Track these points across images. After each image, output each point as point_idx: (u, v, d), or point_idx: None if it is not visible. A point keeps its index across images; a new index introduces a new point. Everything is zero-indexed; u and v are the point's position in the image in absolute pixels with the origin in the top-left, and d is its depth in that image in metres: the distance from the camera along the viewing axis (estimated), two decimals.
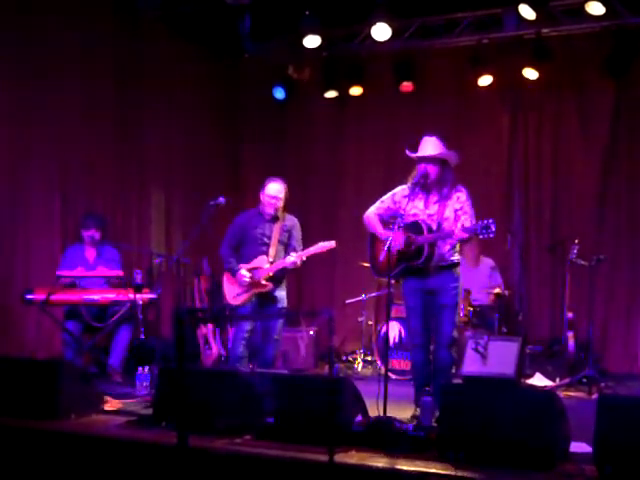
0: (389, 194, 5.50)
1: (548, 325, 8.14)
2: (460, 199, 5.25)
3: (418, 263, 5.18)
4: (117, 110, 7.80)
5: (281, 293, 6.19)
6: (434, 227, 5.21)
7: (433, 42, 8.52)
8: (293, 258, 6.00)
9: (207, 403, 4.62)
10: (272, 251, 6.12)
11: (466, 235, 4.99)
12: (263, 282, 6.04)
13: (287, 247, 6.21)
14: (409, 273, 5.29)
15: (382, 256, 5.04)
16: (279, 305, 6.17)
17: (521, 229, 8.33)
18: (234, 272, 6.13)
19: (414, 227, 5.21)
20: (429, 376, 5.32)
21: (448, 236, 5.12)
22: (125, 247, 7.37)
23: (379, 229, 5.44)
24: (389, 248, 4.94)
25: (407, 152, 5.38)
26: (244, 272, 6.08)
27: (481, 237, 4.88)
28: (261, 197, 6.20)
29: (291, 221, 6.29)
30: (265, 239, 6.15)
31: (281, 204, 6.19)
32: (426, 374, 5.33)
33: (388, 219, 5.41)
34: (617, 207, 8.00)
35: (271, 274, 6.05)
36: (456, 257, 5.32)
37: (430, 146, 5.31)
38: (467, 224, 5.07)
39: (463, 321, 7.06)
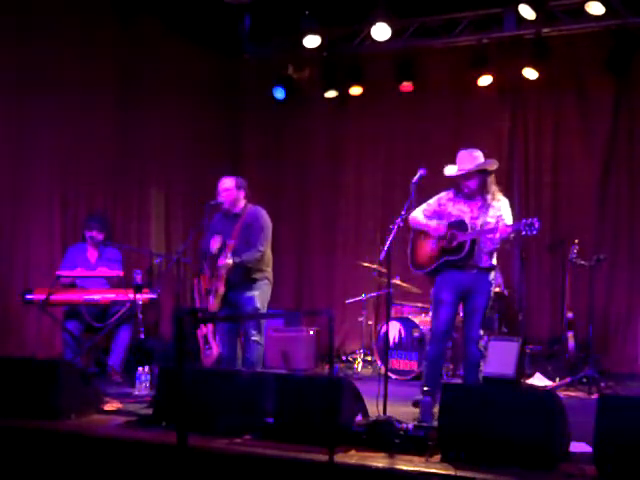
0: (435, 198, 5.66)
1: (548, 325, 8.14)
2: (502, 208, 5.44)
3: (458, 258, 5.34)
4: (117, 110, 7.81)
5: (249, 294, 5.95)
6: (477, 228, 5.39)
7: (433, 42, 8.52)
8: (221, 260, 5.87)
9: (207, 403, 4.61)
10: (229, 252, 5.90)
11: (510, 229, 5.18)
12: (218, 284, 5.89)
13: (249, 243, 5.99)
14: (447, 267, 5.43)
15: (431, 247, 5.41)
16: (248, 307, 5.94)
17: None
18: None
19: (459, 225, 5.40)
20: (440, 372, 5.54)
21: (492, 231, 5.27)
22: (127, 248, 7.37)
23: (426, 223, 5.56)
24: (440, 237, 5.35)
25: (446, 174, 5.52)
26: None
27: (524, 234, 5.05)
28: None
29: (252, 214, 6.08)
30: (226, 236, 5.99)
31: (235, 196, 6.06)
32: (439, 367, 5.51)
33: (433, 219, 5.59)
34: (617, 207, 8.00)
35: (224, 276, 5.88)
36: (494, 260, 5.48)
37: (466, 160, 5.45)
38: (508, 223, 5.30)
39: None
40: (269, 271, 6.13)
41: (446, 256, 5.41)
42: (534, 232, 4.99)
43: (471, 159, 5.44)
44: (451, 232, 5.39)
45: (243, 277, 5.94)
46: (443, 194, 5.63)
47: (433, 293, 5.58)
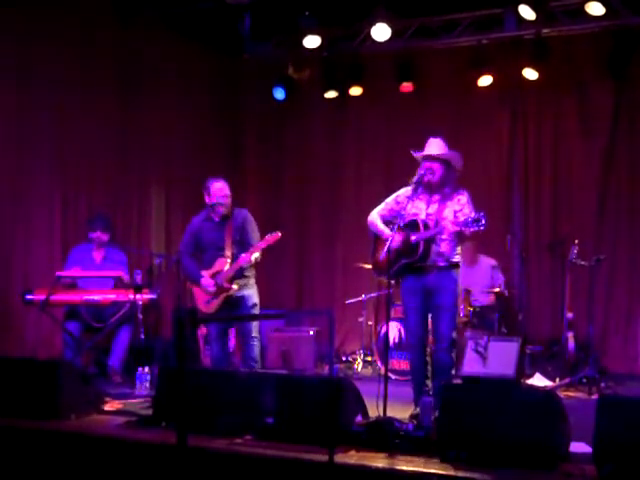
0: (392, 196, 5.52)
1: (548, 325, 8.13)
2: (461, 201, 5.28)
3: (414, 260, 5.20)
4: (117, 110, 7.81)
5: (248, 292, 6.03)
6: (431, 225, 5.22)
7: (433, 42, 8.51)
8: (244, 257, 5.85)
9: (207, 403, 4.62)
10: (229, 253, 5.97)
11: (457, 228, 5.02)
12: (226, 285, 5.91)
13: (244, 244, 6.03)
14: (407, 272, 5.30)
15: (382, 256, 5.09)
16: (249, 303, 6.02)
17: (521, 229, 8.33)
18: (197, 280, 6.02)
19: (412, 225, 5.24)
20: (426, 376, 5.34)
21: (440, 232, 5.13)
22: (131, 249, 7.37)
23: (381, 229, 5.43)
24: (389, 249, 4.98)
25: (412, 152, 5.40)
26: (205, 279, 5.97)
27: (472, 230, 4.91)
28: (208, 200, 6.05)
29: (241, 216, 6.12)
30: (220, 242, 6.01)
31: (230, 200, 6.08)
32: (423, 374, 5.34)
33: (391, 220, 5.42)
34: (617, 207, 8.00)
35: (231, 274, 5.93)
36: (456, 258, 5.33)
37: (435, 146, 5.36)
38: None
39: (463, 321, 7.06)
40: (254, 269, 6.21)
41: (402, 259, 5.24)
42: (482, 227, 4.85)
43: (440, 147, 5.36)
44: (405, 233, 5.21)
45: (241, 276, 6.00)
46: (402, 191, 5.44)
47: (402, 299, 5.51)
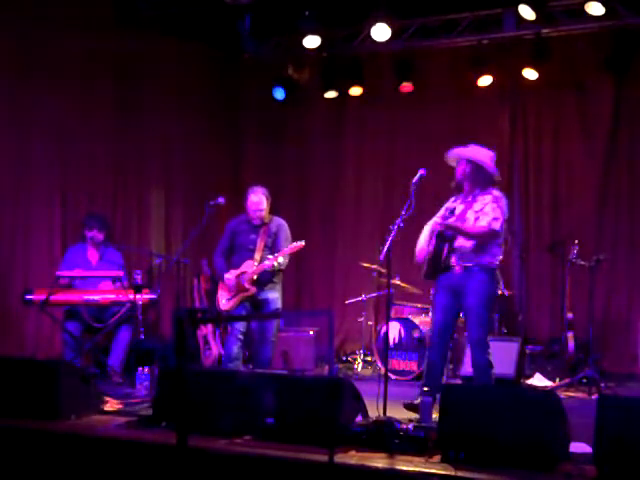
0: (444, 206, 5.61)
1: (548, 325, 8.14)
2: (484, 201, 5.33)
3: (439, 263, 5.29)
4: (117, 110, 7.81)
5: (273, 295, 6.23)
6: (449, 233, 5.33)
7: (433, 42, 8.50)
8: (268, 261, 6.06)
9: (207, 403, 4.61)
10: (257, 256, 6.18)
11: (475, 231, 5.23)
12: (247, 286, 6.10)
13: (273, 250, 6.22)
14: (439, 272, 5.38)
15: (419, 258, 5.40)
16: (272, 307, 6.22)
17: (521, 229, 8.33)
18: (222, 277, 6.25)
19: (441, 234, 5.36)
20: (438, 375, 5.37)
21: (455, 233, 5.27)
22: (127, 249, 7.37)
23: (425, 237, 5.50)
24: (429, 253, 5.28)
25: (446, 154, 5.52)
26: (228, 275, 6.18)
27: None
28: (246, 208, 6.32)
29: (276, 224, 6.34)
30: (251, 245, 6.23)
31: (265, 212, 6.27)
32: (440, 370, 5.37)
33: None
34: (617, 207, 8.01)
35: (255, 277, 6.11)
36: (485, 260, 5.30)
37: (467, 150, 5.45)
38: (482, 224, 5.22)
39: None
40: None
41: (432, 262, 5.35)
42: None
43: (469, 150, 5.43)
44: (436, 242, 5.34)
45: (269, 278, 6.19)
46: (452, 199, 5.54)
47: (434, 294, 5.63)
